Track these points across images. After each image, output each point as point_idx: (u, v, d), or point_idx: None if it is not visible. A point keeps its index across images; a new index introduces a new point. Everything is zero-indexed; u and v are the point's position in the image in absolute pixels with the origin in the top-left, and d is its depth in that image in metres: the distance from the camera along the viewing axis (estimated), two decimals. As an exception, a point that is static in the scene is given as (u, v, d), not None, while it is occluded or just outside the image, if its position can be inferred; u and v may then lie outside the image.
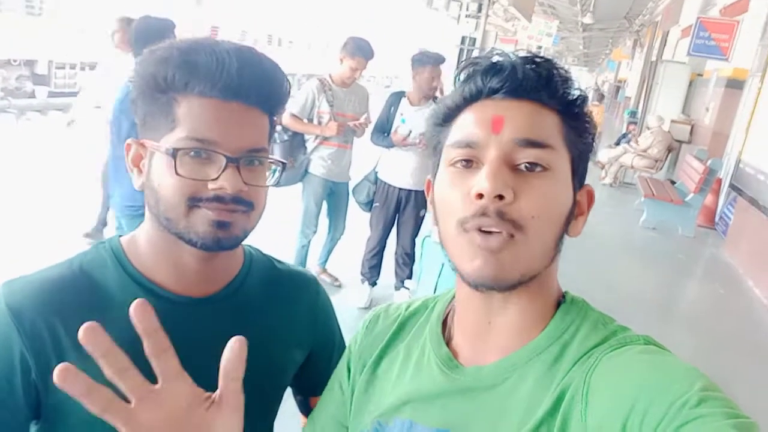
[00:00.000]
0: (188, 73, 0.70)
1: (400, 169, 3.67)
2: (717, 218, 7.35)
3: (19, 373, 0.69)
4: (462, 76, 0.65)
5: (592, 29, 19.65)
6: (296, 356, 0.90)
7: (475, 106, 0.63)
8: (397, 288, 3.91)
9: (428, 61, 3.55)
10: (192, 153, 0.70)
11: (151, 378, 0.74)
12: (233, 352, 0.58)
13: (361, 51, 3.51)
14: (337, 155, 3.61)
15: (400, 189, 3.69)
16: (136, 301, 0.55)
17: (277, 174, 0.78)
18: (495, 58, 0.63)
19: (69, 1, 11.27)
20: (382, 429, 0.70)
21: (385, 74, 30.25)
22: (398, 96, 3.70)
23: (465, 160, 0.61)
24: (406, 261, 3.84)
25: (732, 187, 6.57)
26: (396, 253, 3.89)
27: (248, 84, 0.71)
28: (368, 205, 3.82)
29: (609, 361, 0.56)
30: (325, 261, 3.98)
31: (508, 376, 0.62)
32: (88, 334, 0.51)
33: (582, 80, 41.64)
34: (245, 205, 0.73)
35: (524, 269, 0.59)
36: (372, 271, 3.87)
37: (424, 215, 3.74)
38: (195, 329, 0.78)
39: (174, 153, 0.70)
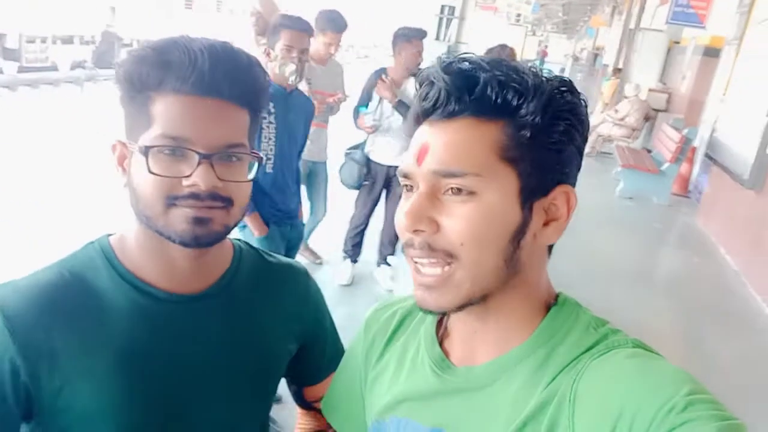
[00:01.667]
0: (162, 71, 0.70)
1: (388, 147, 3.63)
2: (691, 187, 7.47)
3: (8, 375, 0.70)
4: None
5: (571, -4, 19.52)
6: (289, 348, 0.91)
7: (422, 127, 0.62)
8: (378, 264, 3.93)
9: (415, 35, 3.47)
10: (166, 151, 0.70)
11: (146, 377, 0.74)
12: None
13: (332, 24, 3.41)
14: (315, 135, 3.53)
15: (388, 167, 3.64)
16: None
17: (254, 169, 0.77)
18: (430, 74, 0.60)
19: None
20: (380, 426, 0.72)
21: (363, 44, 29.81)
22: (378, 74, 3.59)
23: (407, 186, 0.63)
24: (392, 240, 3.82)
25: (707, 155, 6.66)
26: (382, 231, 3.87)
27: (220, 79, 0.71)
28: (357, 187, 3.75)
29: (596, 367, 0.56)
30: (307, 238, 3.97)
31: (497, 377, 0.63)
32: None
33: (561, 47, 41.52)
34: (223, 201, 0.73)
35: (467, 294, 0.60)
36: (354, 249, 3.86)
37: None
38: (186, 327, 0.79)
39: (146, 151, 0.70)
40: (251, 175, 0.77)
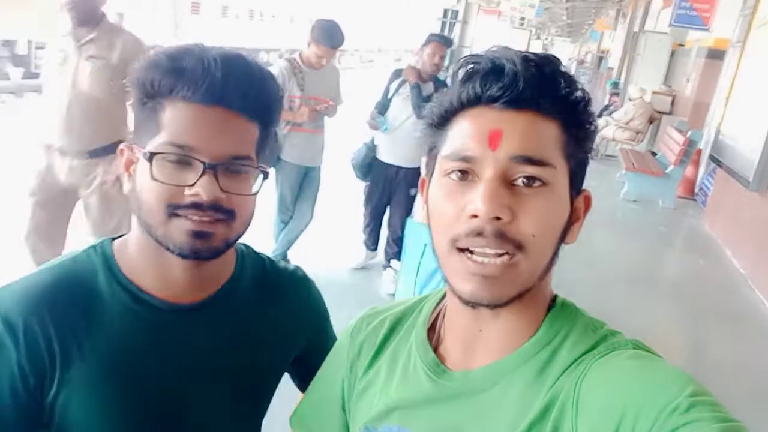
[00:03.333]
0: (174, 78, 0.70)
1: (389, 145, 3.71)
2: (697, 189, 7.44)
3: (19, 382, 0.70)
4: (460, 75, 0.62)
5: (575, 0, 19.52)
6: (288, 356, 0.91)
7: (472, 112, 0.60)
8: (384, 267, 3.95)
9: (432, 39, 3.62)
10: (170, 158, 0.70)
11: (140, 386, 0.74)
12: None
13: (326, 38, 3.32)
14: (310, 140, 3.54)
15: (389, 165, 3.73)
16: None
17: (260, 182, 0.76)
18: (496, 60, 0.59)
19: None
20: None
21: (368, 48, 29.87)
22: (397, 73, 3.77)
23: (461, 172, 0.59)
24: (394, 241, 3.88)
25: (711, 158, 6.63)
26: (388, 231, 3.94)
27: (232, 90, 0.70)
28: (362, 171, 3.83)
29: (598, 368, 0.56)
30: (288, 248, 3.74)
31: (496, 381, 0.62)
32: None
33: (565, 51, 41.50)
34: (225, 213, 0.72)
35: (521, 287, 0.59)
36: (368, 241, 4.04)
37: (415, 194, 3.76)
38: (184, 337, 0.78)
39: (150, 157, 0.70)
40: (256, 189, 0.76)
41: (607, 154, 9.69)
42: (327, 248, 4.15)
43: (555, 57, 0.60)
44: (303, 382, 0.97)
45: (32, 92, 10.22)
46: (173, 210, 0.70)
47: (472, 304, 0.59)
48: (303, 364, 0.92)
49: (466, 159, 0.58)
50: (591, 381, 0.55)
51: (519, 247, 0.57)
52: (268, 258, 0.92)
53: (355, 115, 3.87)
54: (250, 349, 0.83)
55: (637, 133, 9.27)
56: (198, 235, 0.71)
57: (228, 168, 0.71)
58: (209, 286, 0.81)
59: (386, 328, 0.76)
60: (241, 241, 0.91)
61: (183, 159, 0.70)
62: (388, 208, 3.90)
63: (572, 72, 0.58)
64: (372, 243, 4.03)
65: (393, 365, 0.72)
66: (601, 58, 23.92)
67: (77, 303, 0.74)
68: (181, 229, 0.70)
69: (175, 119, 0.70)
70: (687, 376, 0.52)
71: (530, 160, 0.57)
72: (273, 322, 0.87)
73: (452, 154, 0.60)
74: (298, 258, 3.66)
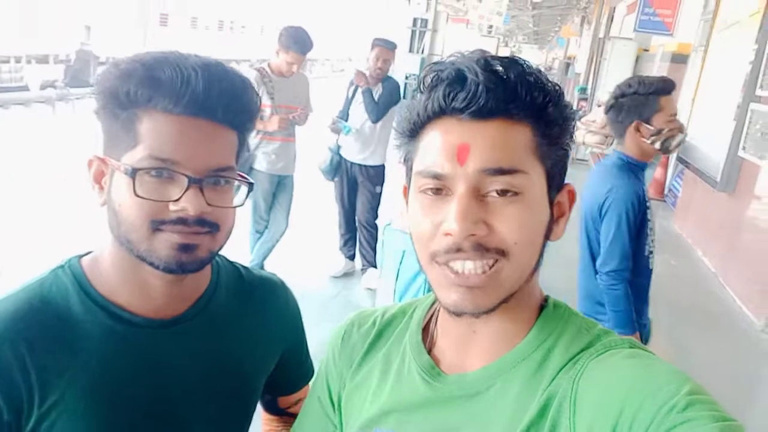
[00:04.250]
0: (152, 89, 0.67)
1: (351, 145, 3.84)
2: (666, 190, 7.59)
3: None
4: (426, 83, 0.61)
5: (541, 7, 19.87)
6: (268, 363, 0.89)
7: (440, 123, 0.59)
8: (362, 270, 3.98)
9: (376, 44, 3.74)
10: (153, 173, 0.67)
11: (122, 404, 0.71)
12: None
13: (296, 45, 3.34)
14: (282, 149, 3.54)
15: (353, 163, 3.85)
16: None
17: (243, 193, 0.75)
18: (459, 69, 0.58)
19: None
20: None
21: (339, 57, 29.94)
22: (352, 81, 3.90)
23: (434, 189, 0.59)
24: (367, 241, 3.94)
25: (679, 159, 6.79)
26: (358, 232, 4.02)
27: (215, 100, 0.68)
28: (329, 173, 3.94)
29: (595, 366, 0.56)
30: (264, 258, 3.74)
31: (492, 383, 0.62)
32: None
33: (533, 58, 42.17)
34: (210, 226, 0.70)
35: (508, 292, 0.59)
36: (344, 249, 4.09)
37: (380, 192, 3.86)
38: (163, 352, 0.76)
39: (133, 173, 0.67)
40: (237, 201, 0.75)
41: (578, 158, 9.84)
42: (305, 257, 4.12)
43: (520, 60, 0.59)
44: (276, 390, 0.95)
45: (-5, 107, 9.97)
46: (157, 225, 0.68)
47: (458, 314, 0.60)
48: (278, 371, 0.91)
49: (437, 176, 0.58)
50: (588, 379, 0.55)
51: (501, 253, 0.57)
52: (243, 267, 0.91)
53: (326, 123, 3.88)
54: (230, 361, 0.82)
55: (606, 137, 9.43)
56: (184, 248, 0.69)
57: (212, 181, 0.70)
58: (187, 298, 0.79)
59: (376, 330, 0.75)
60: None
61: (166, 173, 0.67)
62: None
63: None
64: (348, 250, 4.06)
65: (386, 368, 0.71)
66: (568, 65, 24.37)
67: (50, 327, 0.70)
68: (165, 243, 0.68)
69: (155, 131, 0.67)
70: (684, 375, 0.52)
71: (501, 171, 0.56)
72: (253, 330, 0.86)
73: (424, 171, 0.59)
74: (277, 268, 3.62)
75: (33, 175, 5.89)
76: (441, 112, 0.59)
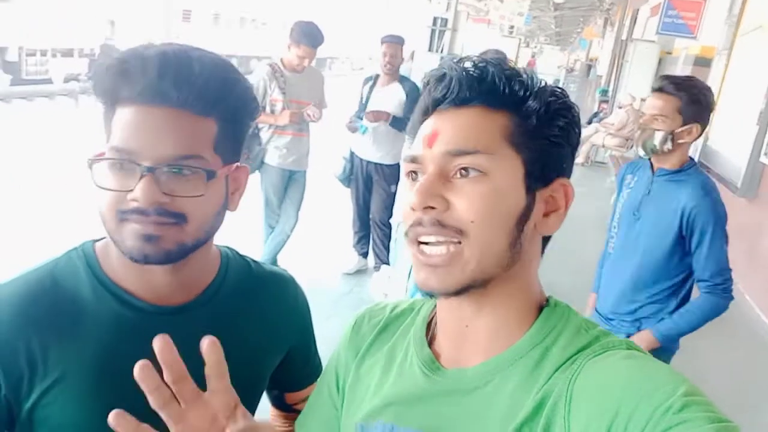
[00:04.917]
0: (120, 81, 0.68)
1: (366, 144, 3.86)
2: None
3: None
4: (423, 89, 0.67)
5: (563, 8, 19.70)
6: (274, 359, 0.90)
7: (428, 118, 0.65)
8: (375, 268, 3.98)
9: (384, 40, 3.78)
10: (108, 163, 0.68)
11: (125, 390, 0.73)
12: (207, 354, 0.62)
13: (306, 38, 3.36)
14: (294, 144, 3.55)
15: (368, 162, 3.88)
16: (157, 337, 0.59)
17: (224, 184, 0.74)
18: (442, 69, 0.64)
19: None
20: (365, 431, 0.70)
21: (358, 56, 29.99)
22: (366, 80, 3.95)
23: (413, 172, 0.64)
24: (380, 240, 3.95)
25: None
26: (372, 231, 4.03)
27: (168, 86, 0.67)
28: (345, 181, 4.01)
29: (592, 367, 0.56)
30: (276, 253, 3.74)
31: (489, 379, 0.62)
32: (140, 373, 0.58)
33: (555, 59, 41.81)
34: (173, 217, 0.69)
35: (471, 274, 0.60)
36: (358, 246, 4.13)
37: (395, 191, 3.83)
38: (171, 339, 0.77)
39: (90, 164, 0.69)
40: (204, 191, 0.70)
41: (597, 161, 9.76)
42: (318, 253, 4.14)
43: (501, 60, 0.64)
44: (283, 386, 0.96)
45: (21, 99, 10.17)
46: (123, 216, 0.69)
47: (428, 294, 0.62)
48: (285, 368, 0.91)
49: (413, 159, 0.64)
50: (585, 379, 0.56)
51: (459, 232, 0.59)
52: (254, 261, 0.91)
53: (345, 121, 3.90)
54: (236, 352, 0.82)
55: (627, 140, 9.34)
56: (147, 238, 0.68)
57: (172, 169, 0.68)
58: (194, 286, 0.80)
59: (382, 323, 0.77)
60: (229, 245, 0.91)
61: (125, 164, 0.68)
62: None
63: (561, 81, 0.60)
64: (362, 247, 4.08)
65: (390, 362, 0.72)
66: (590, 67, 24.15)
67: (59, 307, 0.72)
68: (130, 233, 0.69)
69: (119, 123, 0.68)
70: (680, 376, 0.52)
71: (462, 152, 0.60)
72: (260, 324, 0.86)
73: (406, 157, 0.65)
74: (290, 263, 3.65)
75: (53, 167, 6.00)
76: (427, 109, 0.65)
